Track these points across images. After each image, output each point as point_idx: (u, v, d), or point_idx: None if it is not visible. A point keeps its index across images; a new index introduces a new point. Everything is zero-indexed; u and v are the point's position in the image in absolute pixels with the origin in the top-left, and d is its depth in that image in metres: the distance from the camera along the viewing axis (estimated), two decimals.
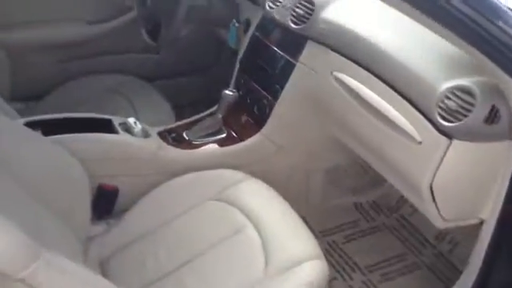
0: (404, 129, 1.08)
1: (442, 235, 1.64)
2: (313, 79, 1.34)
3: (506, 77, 0.89)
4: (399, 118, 1.09)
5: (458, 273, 1.53)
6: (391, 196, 1.78)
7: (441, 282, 1.53)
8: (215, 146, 1.49)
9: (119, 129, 1.37)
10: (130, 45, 1.98)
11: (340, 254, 1.61)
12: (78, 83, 1.88)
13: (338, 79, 1.26)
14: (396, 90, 1.11)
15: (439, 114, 1.00)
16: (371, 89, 1.17)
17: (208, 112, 1.60)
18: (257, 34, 1.54)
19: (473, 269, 1.17)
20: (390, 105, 1.11)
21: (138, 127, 1.39)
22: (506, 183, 1.03)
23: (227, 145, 1.49)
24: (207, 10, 1.60)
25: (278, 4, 1.44)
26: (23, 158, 1.03)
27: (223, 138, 1.51)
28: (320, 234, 1.64)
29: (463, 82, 0.98)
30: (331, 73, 1.28)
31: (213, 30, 1.78)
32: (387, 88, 1.13)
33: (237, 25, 1.60)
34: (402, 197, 1.76)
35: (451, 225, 1.16)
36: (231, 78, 1.66)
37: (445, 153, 1.01)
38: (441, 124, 1.00)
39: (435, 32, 0.98)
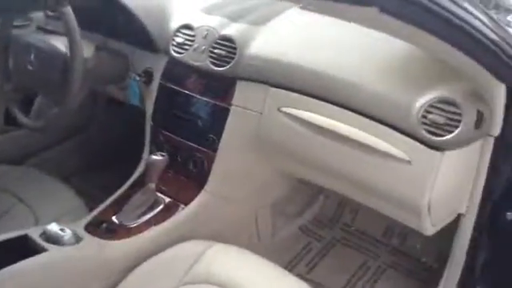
0: (387, 152, 1.04)
1: (389, 231, 1.68)
2: (255, 120, 1.22)
3: (489, 79, 0.90)
4: (377, 142, 1.05)
5: (418, 263, 1.59)
6: (328, 207, 1.77)
7: (408, 276, 1.57)
8: (158, 221, 1.27)
9: (42, 242, 1.07)
10: None
11: (311, 285, 1.54)
12: None
13: (289, 115, 1.17)
14: (363, 114, 1.06)
15: (426, 130, 0.98)
16: (335, 118, 1.10)
17: (130, 183, 1.37)
18: (163, 83, 1.36)
19: (457, 261, 1.20)
20: (362, 130, 1.06)
21: (67, 233, 1.11)
22: (484, 177, 1.07)
23: (170, 215, 1.29)
24: (95, 71, 1.34)
25: (188, 48, 1.28)
26: None
27: (163, 209, 1.31)
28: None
29: (442, 93, 0.97)
30: (279, 109, 1.18)
31: (100, 89, 1.53)
32: (353, 114, 1.08)
33: (138, 78, 1.39)
34: (340, 205, 1.76)
35: (438, 228, 1.17)
36: (113, 133, 1.42)
37: (439, 166, 1.00)
38: (430, 139, 0.98)
39: (401, 38, 0.92)
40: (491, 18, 0.85)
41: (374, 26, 0.91)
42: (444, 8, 0.71)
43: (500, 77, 0.88)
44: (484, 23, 0.80)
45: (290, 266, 1.58)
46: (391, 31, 0.89)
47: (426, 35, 0.75)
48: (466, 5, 0.77)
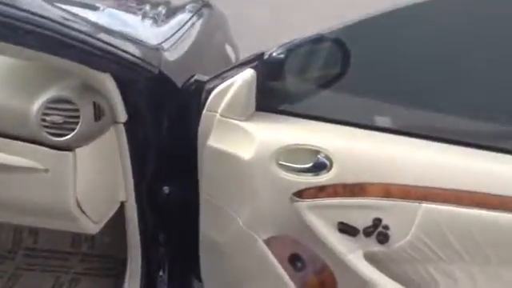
0: (19, 165, 0.97)
1: (77, 239, 1.62)
2: None
3: (91, 71, 0.92)
4: (5, 158, 0.96)
5: (112, 259, 1.59)
6: (3, 237, 1.58)
7: (104, 276, 1.55)
8: None
9: None
10: None
11: None
12: None
13: None
14: None
15: (49, 133, 0.95)
16: None
17: None
18: None
19: (135, 247, 1.25)
20: None
21: None
22: (128, 161, 1.11)
23: None
24: None
25: None
26: None
27: None
28: None
29: (54, 93, 0.95)
30: None
31: None
32: None
33: None
34: (16, 231, 1.60)
35: (103, 223, 1.17)
36: None
37: (74, 166, 0.98)
38: (56, 141, 0.95)
39: None
40: (71, 13, 0.87)
41: None
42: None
43: (96, 67, 0.91)
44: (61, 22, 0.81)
45: None
46: None
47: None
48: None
